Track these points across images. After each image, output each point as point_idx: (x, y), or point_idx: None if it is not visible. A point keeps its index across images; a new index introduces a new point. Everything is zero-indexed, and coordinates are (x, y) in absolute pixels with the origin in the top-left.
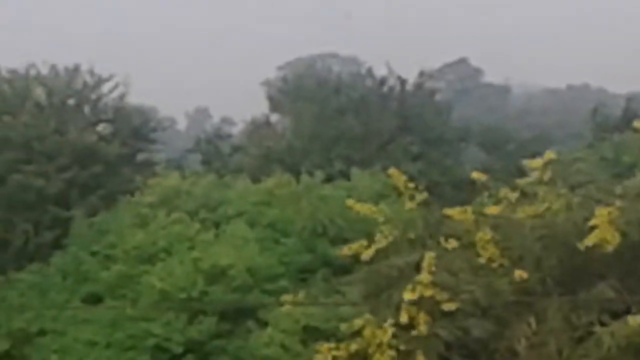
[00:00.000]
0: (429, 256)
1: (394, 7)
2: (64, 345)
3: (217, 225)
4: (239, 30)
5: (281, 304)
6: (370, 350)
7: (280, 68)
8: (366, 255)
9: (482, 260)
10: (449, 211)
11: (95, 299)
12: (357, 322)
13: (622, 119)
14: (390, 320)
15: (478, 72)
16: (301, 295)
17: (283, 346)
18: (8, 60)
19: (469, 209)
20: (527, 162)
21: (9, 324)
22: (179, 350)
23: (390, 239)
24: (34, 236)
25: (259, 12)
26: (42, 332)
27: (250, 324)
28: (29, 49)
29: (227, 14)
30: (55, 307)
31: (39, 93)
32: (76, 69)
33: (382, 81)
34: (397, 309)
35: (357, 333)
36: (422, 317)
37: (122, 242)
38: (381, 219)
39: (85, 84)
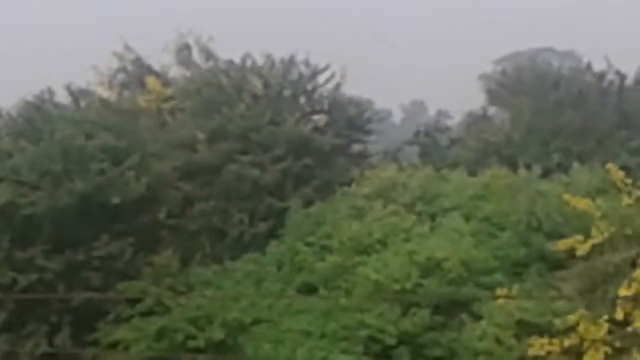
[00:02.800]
0: None
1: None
2: (278, 335)
3: (432, 217)
4: (450, 23)
5: (495, 298)
6: (584, 347)
7: (497, 62)
8: (582, 250)
9: None
10: None
11: (309, 289)
12: (572, 318)
13: None
14: (605, 317)
15: None
16: (515, 289)
17: (497, 340)
18: (225, 52)
19: None
20: None
21: (225, 314)
22: (392, 341)
23: (607, 234)
24: (249, 226)
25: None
26: (256, 322)
27: (464, 317)
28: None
29: (445, 10)
30: (270, 296)
31: (256, 84)
32: (292, 59)
33: (601, 76)
34: (613, 305)
35: (571, 328)
36: (638, 314)
37: (337, 233)
38: (598, 215)
39: (300, 74)
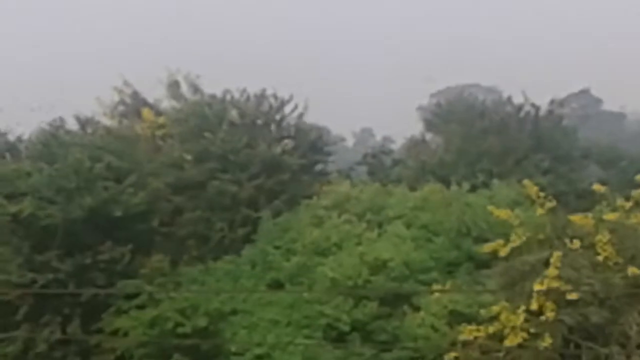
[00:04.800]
0: (556, 254)
1: (523, 43)
2: (251, 323)
3: (379, 225)
4: (395, 62)
5: (432, 292)
6: (505, 332)
7: (432, 95)
8: (503, 252)
9: (600, 259)
10: (573, 217)
11: (278, 285)
12: (495, 308)
13: None
14: (522, 307)
15: (598, 101)
16: (448, 284)
17: (433, 327)
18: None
19: (590, 215)
20: (639, 177)
21: (207, 305)
22: (346, 328)
23: (524, 239)
24: (228, 232)
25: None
26: (234, 312)
27: (406, 308)
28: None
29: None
30: (244, 291)
31: (234, 114)
32: (263, 93)
33: (519, 107)
34: (529, 297)
35: (495, 317)
36: (550, 305)
37: (301, 237)
38: (516, 223)
39: (271, 106)
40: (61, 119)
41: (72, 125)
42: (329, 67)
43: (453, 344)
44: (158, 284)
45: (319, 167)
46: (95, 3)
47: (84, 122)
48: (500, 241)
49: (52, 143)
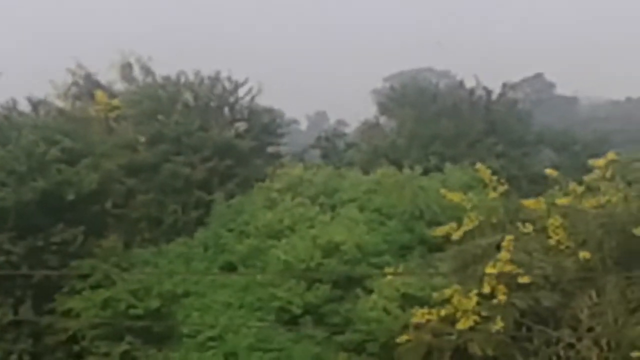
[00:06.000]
0: (508, 238)
1: (479, 29)
2: (204, 305)
3: (333, 208)
4: (349, 46)
5: (384, 275)
6: (457, 315)
7: (386, 79)
8: (456, 236)
9: (552, 243)
10: (525, 201)
11: (230, 268)
12: (447, 292)
13: None
14: (474, 291)
15: (551, 85)
16: (401, 268)
17: (385, 310)
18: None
19: (542, 199)
20: (591, 161)
21: (160, 287)
22: (298, 311)
23: (476, 222)
24: (181, 215)
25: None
26: (186, 294)
27: (358, 291)
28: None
29: (344, 34)
30: (197, 273)
31: (187, 97)
32: (217, 76)
33: (472, 91)
34: (481, 281)
35: (447, 300)
36: (501, 289)
37: (254, 220)
38: (469, 206)
39: (224, 88)
40: (13, 101)
41: (25, 107)
42: (283, 50)
43: (405, 326)
44: (111, 264)
45: (271, 149)
46: None
47: (36, 104)
48: (453, 224)
49: (3, 125)
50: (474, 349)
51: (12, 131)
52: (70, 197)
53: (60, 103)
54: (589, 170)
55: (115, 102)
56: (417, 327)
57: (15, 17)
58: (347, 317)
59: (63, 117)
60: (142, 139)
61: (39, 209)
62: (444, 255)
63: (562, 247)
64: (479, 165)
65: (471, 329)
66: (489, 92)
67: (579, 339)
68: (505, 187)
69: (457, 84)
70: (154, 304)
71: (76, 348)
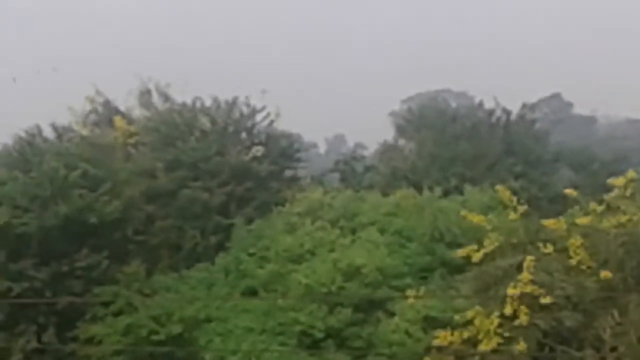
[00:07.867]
0: (529, 259)
1: (495, 48)
2: (226, 330)
3: (353, 231)
4: (367, 69)
5: (405, 298)
6: (479, 337)
7: (404, 101)
8: (476, 257)
9: (573, 263)
10: (545, 221)
11: (252, 292)
12: (469, 313)
13: None
14: (496, 312)
15: (569, 105)
16: (422, 290)
17: (407, 333)
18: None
19: (562, 219)
20: (611, 180)
21: (182, 312)
22: (320, 335)
23: (497, 244)
24: (200, 240)
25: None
26: (208, 319)
27: (380, 314)
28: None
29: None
30: (219, 298)
31: (204, 122)
32: (234, 101)
33: (491, 112)
34: (502, 302)
35: (469, 322)
36: (523, 310)
37: (274, 245)
38: (489, 227)
39: (242, 113)
40: (37, 127)
41: (49, 133)
42: (302, 74)
43: (428, 349)
44: (133, 290)
45: (289, 173)
46: (61, 10)
47: (60, 131)
48: (474, 246)
49: (27, 151)
50: None
51: (36, 157)
52: (92, 221)
53: (81, 129)
54: (608, 189)
55: (134, 128)
56: (440, 349)
57: (28, 41)
58: (370, 340)
59: (84, 143)
60: (160, 165)
61: (61, 235)
62: (465, 277)
63: (583, 267)
64: (498, 187)
65: (494, 350)
66: (508, 113)
67: (603, 359)
68: (525, 207)
69: (475, 105)
70: (176, 329)
71: None
